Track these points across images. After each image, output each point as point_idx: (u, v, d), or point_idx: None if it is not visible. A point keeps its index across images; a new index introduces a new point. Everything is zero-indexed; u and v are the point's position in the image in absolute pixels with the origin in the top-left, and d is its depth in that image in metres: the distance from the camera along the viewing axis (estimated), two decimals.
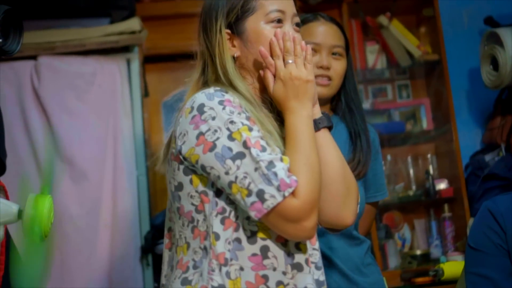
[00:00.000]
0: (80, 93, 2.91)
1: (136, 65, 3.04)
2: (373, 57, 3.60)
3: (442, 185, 3.48)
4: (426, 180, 3.52)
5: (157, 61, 3.47)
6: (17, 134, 2.80)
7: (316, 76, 2.00)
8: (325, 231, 1.68)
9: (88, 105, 2.92)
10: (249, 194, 1.37)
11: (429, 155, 3.61)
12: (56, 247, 2.64)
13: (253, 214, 1.38)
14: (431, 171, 3.54)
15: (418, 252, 3.49)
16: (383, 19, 3.56)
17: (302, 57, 1.52)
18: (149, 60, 3.31)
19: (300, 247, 1.49)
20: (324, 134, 1.55)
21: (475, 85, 3.60)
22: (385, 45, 3.59)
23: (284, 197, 1.36)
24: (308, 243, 1.51)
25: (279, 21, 1.56)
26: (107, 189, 2.86)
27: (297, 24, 1.60)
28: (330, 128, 1.57)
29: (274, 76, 1.52)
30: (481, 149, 3.59)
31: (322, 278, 1.53)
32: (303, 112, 1.48)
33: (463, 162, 3.46)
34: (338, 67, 2.12)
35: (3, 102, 2.20)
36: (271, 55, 1.52)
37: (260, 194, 1.36)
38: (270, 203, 1.36)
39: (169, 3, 3.33)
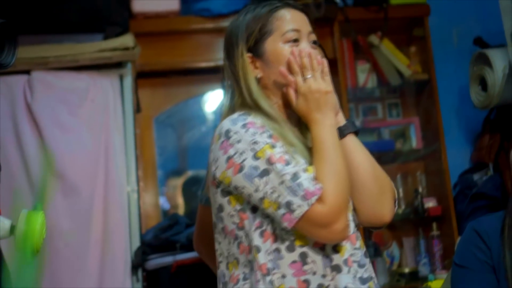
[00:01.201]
0: (72, 108, 2.92)
1: (128, 81, 3.05)
2: (364, 76, 3.63)
3: (430, 204, 3.51)
4: (415, 198, 3.55)
5: (150, 76, 3.49)
6: (9, 149, 2.80)
7: None
8: None
9: (81, 120, 2.92)
10: (279, 207, 1.48)
11: (418, 174, 3.65)
12: (46, 262, 2.63)
13: (285, 224, 1.48)
14: (420, 190, 3.57)
15: (407, 270, 3.51)
16: (374, 39, 3.60)
17: (319, 71, 1.62)
18: (141, 75, 3.33)
19: (337, 249, 1.57)
20: (351, 139, 1.65)
21: (464, 105, 3.65)
22: (376, 64, 3.63)
23: (310, 205, 1.46)
24: (348, 244, 1.58)
25: (296, 40, 1.66)
26: (98, 204, 2.86)
27: (314, 42, 1.70)
28: (356, 133, 1.67)
29: (296, 92, 1.62)
30: (470, 168, 3.62)
31: (366, 274, 1.60)
32: (326, 122, 1.58)
33: (451, 180, 3.49)
34: None
35: None
36: (291, 73, 1.63)
37: (289, 206, 1.47)
38: (298, 212, 1.46)
39: (163, 20, 3.35)
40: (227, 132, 1.56)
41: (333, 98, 1.62)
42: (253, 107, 1.64)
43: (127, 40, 3.00)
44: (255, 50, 1.68)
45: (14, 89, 2.89)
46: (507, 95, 3.24)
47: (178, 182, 3.61)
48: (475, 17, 3.72)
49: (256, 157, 1.51)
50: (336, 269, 1.56)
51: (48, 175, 1.98)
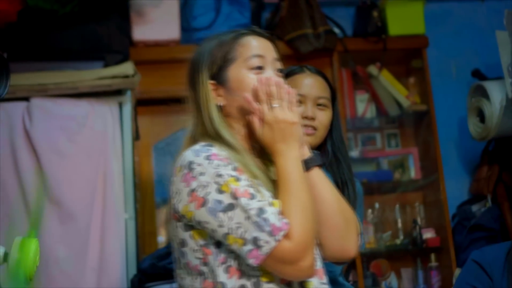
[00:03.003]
0: (71, 135, 2.93)
1: (128, 109, 3.07)
2: (363, 106, 3.65)
3: (429, 234, 3.50)
4: (413, 229, 3.53)
5: (149, 104, 3.50)
6: (6, 175, 2.80)
7: (302, 126, 2.05)
8: None
9: (79, 147, 2.93)
10: (245, 243, 1.42)
11: (416, 204, 3.64)
12: None
13: (251, 261, 1.42)
14: (418, 220, 3.56)
15: None
16: (373, 69, 3.63)
17: (287, 101, 1.56)
18: (141, 103, 3.34)
19: (304, 285, 1.53)
20: (317, 172, 1.60)
21: (463, 136, 3.66)
22: (375, 95, 3.65)
23: (278, 241, 1.40)
24: (316, 279, 1.54)
25: (260, 67, 1.60)
26: (95, 231, 2.85)
27: (280, 70, 1.63)
28: (321, 166, 1.62)
29: (261, 120, 1.55)
30: (468, 199, 3.62)
31: None
32: (291, 154, 1.52)
33: (450, 212, 3.49)
34: (323, 117, 2.16)
35: None
36: (256, 101, 1.56)
37: (255, 242, 1.41)
38: (265, 249, 1.41)
39: (163, 48, 3.38)
40: (190, 163, 1.48)
41: (299, 130, 1.56)
42: (214, 136, 1.57)
43: (127, 68, 3.02)
44: (218, 77, 1.60)
45: (13, 115, 2.90)
46: (505, 127, 3.25)
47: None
48: (473, 49, 3.76)
49: (220, 190, 1.44)
50: None
51: (42, 202, 1.97)
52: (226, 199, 1.43)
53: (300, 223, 1.43)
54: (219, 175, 1.45)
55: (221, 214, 1.43)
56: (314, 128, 2.14)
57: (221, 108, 1.60)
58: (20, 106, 2.93)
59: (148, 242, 3.41)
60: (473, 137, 3.49)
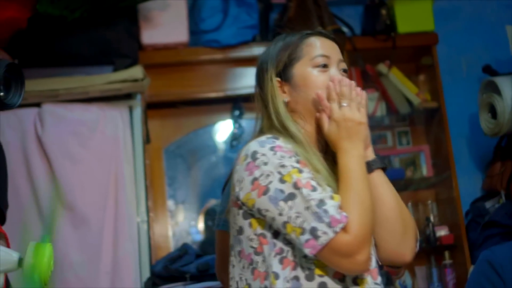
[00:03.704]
0: (83, 140, 2.94)
1: (138, 112, 3.07)
2: (373, 104, 3.64)
3: (442, 232, 3.48)
4: (426, 227, 3.52)
5: (159, 107, 3.52)
6: (20, 181, 2.82)
7: None
8: None
9: (91, 152, 2.94)
10: (303, 232, 1.45)
11: (429, 202, 3.63)
12: None
13: (308, 251, 1.45)
14: (431, 218, 3.55)
15: None
16: (382, 67, 3.62)
17: (357, 102, 1.61)
18: (151, 106, 3.35)
19: (357, 282, 1.54)
20: (379, 174, 1.64)
21: (475, 132, 3.63)
22: (385, 93, 3.63)
23: (336, 232, 1.43)
24: (369, 278, 1.56)
25: (325, 66, 1.66)
26: (108, 235, 2.86)
27: (345, 70, 1.70)
28: (384, 169, 1.66)
29: (329, 118, 1.60)
30: (481, 196, 3.60)
31: None
32: (355, 152, 1.56)
33: (463, 209, 3.47)
34: None
35: (6, 149, 2.21)
36: (327, 99, 1.61)
37: (313, 232, 1.44)
38: (323, 239, 1.44)
39: (171, 51, 3.38)
40: (254, 153, 1.54)
41: (365, 130, 1.61)
42: (281, 130, 1.63)
43: (137, 71, 3.03)
44: (284, 74, 1.68)
45: (25, 121, 2.91)
46: None
47: None
48: (483, 45, 3.73)
49: (282, 180, 1.49)
50: None
51: (56, 207, 1.99)
52: (287, 188, 1.47)
53: (359, 218, 1.46)
54: (282, 166, 1.50)
55: (281, 203, 1.47)
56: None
57: (286, 104, 1.67)
58: (32, 112, 2.94)
59: (160, 245, 3.41)
60: (485, 133, 3.47)
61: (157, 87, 3.28)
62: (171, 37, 3.37)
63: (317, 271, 1.51)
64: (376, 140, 3.71)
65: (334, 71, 1.67)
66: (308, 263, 1.50)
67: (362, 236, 1.45)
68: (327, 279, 1.51)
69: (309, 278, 1.50)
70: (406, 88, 3.60)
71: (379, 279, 1.59)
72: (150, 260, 2.98)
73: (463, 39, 3.77)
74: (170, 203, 3.56)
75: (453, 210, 3.46)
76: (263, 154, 1.53)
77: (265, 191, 1.49)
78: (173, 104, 3.57)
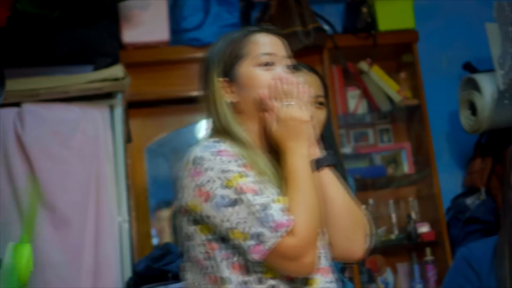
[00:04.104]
0: (63, 140, 2.92)
1: (119, 112, 3.06)
2: (354, 102, 3.65)
3: (424, 229, 3.50)
4: (408, 224, 3.54)
5: (140, 106, 3.50)
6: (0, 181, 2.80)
7: None
8: None
9: (71, 152, 2.92)
10: (248, 238, 1.43)
11: (410, 199, 3.65)
12: None
13: (254, 256, 1.44)
14: (413, 215, 3.57)
15: None
16: (363, 65, 3.63)
17: (301, 99, 1.57)
18: (132, 105, 3.34)
19: (308, 282, 1.53)
20: (327, 172, 1.62)
21: (455, 129, 3.66)
22: (366, 90, 3.65)
23: (281, 236, 1.41)
24: (320, 277, 1.54)
25: (269, 64, 1.60)
26: (89, 235, 2.85)
27: (293, 67, 1.64)
28: (333, 166, 1.63)
29: (274, 117, 1.57)
30: (462, 193, 3.63)
31: None
32: (301, 151, 1.54)
33: (444, 205, 3.50)
34: (320, 116, 2.16)
35: None
36: (272, 97, 1.57)
37: (258, 237, 1.42)
38: (268, 244, 1.42)
39: (152, 50, 3.37)
40: (197, 159, 1.50)
41: (310, 129, 1.59)
42: (225, 132, 1.58)
43: (117, 70, 3.02)
44: (230, 74, 1.62)
45: (5, 121, 2.89)
46: (497, 119, 3.26)
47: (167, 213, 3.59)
48: (463, 42, 3.76)
49: (226, 186, 1.46)
50: None
51: (35, 207, 1.97)
52: (231, 194, 1.45)
53: (305, 220, 1.44)
54: (225, 171, 1.47)
55: (225, 209, 1.44)
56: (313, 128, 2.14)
57: (234, 105, 1.62)
58: (12, 112, 2.92)
59: (142, 245, 3.41)
60: (466, 130, 3.50)
61: (138, 86, 3.27)
62: (152, 35, 3.36)
63: (267, 274, 1.48)
64: (358, 138, 3.73)
65: (280, 69, 1.61)
66: (257, 266, 1.48)
67: (309, 239, 1.43)
68: (277, 282, 1.49)
69: (260, 281, 1.48)
70: (387, 86, 3.62)
71: (332, 277, 1.57)
72: (132, 260, 2.97)
73: (443, 37, 3.80)
74: (152, 202, 3.55)
75: (434, 206, 3.49)
76: (206, 160, 1.49)
77: (209, 198, 1.46)
78: (155, 103, 3.55)
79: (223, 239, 1.49)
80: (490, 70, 3.26)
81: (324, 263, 1.56)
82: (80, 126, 2.96)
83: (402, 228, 3.58)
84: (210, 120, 1.63)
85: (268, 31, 1.66)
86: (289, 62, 1.64)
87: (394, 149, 3.69)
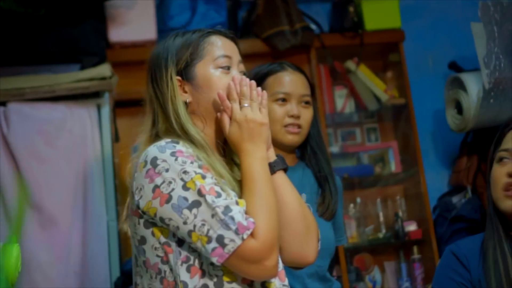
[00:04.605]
0: (50, 139, 2.90)
1: (106, 111, 3.05)
2: (342, 101, 3.66)
3: (411, 227, 3.52)
4: (395, 222, 3.55)
5: (127, 105, 3.47)
6: None
7: (287, 125, 2.11)
8: (302, 273, 1.69)
9: (58, 151, 2.90)
10: (209, 240, 1.40)
11: (398, 198, 3.66)
12: None
13: (215, 260, 1.41)
14: (400, 214, 3.58)
15: None
16: (350, 65, 3.64)
17: (258, 102, 1.57)
18: (119, 104, 3.32)
19: (265, 285, 1.52)
20: (280, 176, 1.61)
21: (441, 128, 3.68)
22: (353, 90, 3.66)
23: (243, 239, 1.40)
24: (277, 281, 1.54)
25: (227, 67, 1.61)
26: (77, 235, 2.83)
27: (244, 73, 1.64)
28: (285, 170, 1.62)
29: (230, 119, 1.56)
30: (449, 191, 3.65)
31: None
32: (258, 154, 1.52)
33: (431, 204, 3.52)
34: (307, 115, 2.17)
35: None
36: (228, 99, 1.56)
37: (220, 240, 1.40)
38: (230, 247, 1.40)
39: (139, 49, 3.35)
40: (154, 159, 1.46)
41: (267, 131, 1.56)
42: (180, 133, 1.55)
43: (104, 69, 3.00)
44: (185, 74, 1.60)
45: None
46: (482, 118, 3.27)
47: None
48: (449, 42, 3.78)
49: (185, 187, 1.43)
50: None
51: (23, 207, 1.96)
52: (191, 196, 1.42)
53: (266, 223, 1.43)
54: (185, 172, 1.44)
55: (186, 211, 1.41)
56: (299, 126, 2.15)
57: (186, 105, 1.60)
58: None
59: (130, 244, 3.39)
60: (452, 129, 3.52)
61: (125, 85, 3.24)
62: (139, 34, 3.34)
63: (225, 278, 1.47)
64: (345, 137, 3.74)
65: (235, 72, 1.62)
66: (216, 270, 1.46)
67: (271, 241, 1.42)
68: (235, 285, 1.47)
69: (218, 285, 1.46)
70: (374, 85, 3.63)
71: (286, 281, 1.57)
72: (120, 259, 2.96)
73: (429, 36, 3.82)
74: None
75: (421, 205, 3.51)
76: (164, 160, 1.46)
77: (168, 199, 1.43)
78: (142, 102, 3.53)
79: (180, 242, 1.47)
80: (475, 69, 3.27)
81: (281, 266, 1.56)
82: (67, 125, 2.94)
83: (389, 227, 3.59)
84: (159, 120, 1.60)
85: (223, 34, 1.67)
86: (242, 67, 1.65)
87: (381, 148, 3.71)
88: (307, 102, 2.19)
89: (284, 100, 2.15)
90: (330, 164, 2.22)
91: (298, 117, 2.14)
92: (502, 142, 1.92)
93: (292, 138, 2.14)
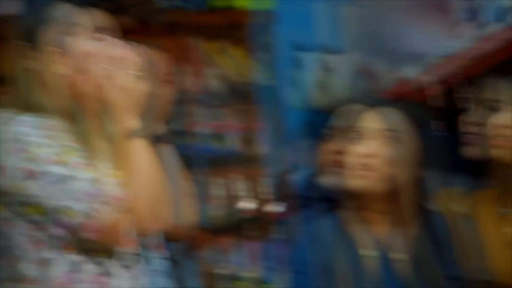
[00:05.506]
0: None
1: None
2: (205, 80, 3.65)
3: (271, 207, 3.55)
4: (257, 203, 3.59)
5: None
6: None
7: None
8: None
9: None
10: (79, 215, 1.40)
11: (260, 178, 3.67)
12: None
13: (86, 234, 1.41)
14: (261, 194, 3.61)
15: (249, 274, 3.54)
16: (213, 44, 3.62)
17: (133, 70, 1.52)
18: None
19: (110, 253, 1.51)
20: (140, 143, 1.53)
21: (306, 109, 3.66)
22: (212, 69, 3.67)
23: (118, 212, 1.41)
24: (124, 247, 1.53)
25: (79, 34, 1.55)
26: None
27: (99, 37, 1.57)
28: (151, 139, 1.58)
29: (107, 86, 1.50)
30: (312, 173, 3.64)
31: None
32: (132, 123, 1.50)
33: (294, 184, 3.51)
34: (166, 93, 2.18)
35: None
36: (99, 67, 1.51)
37: (92, 213, 1.40)
38: (104, 220, 1.40)
39: None
40: (18, 134, 1.43)
41: (139, 100, 1.53)
42: (45, 106, 1.50)
43: None
44: (35, 41, 1.54)
45: None
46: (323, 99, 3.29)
47: None
48: (294, 22, 3.73)
49: (54, 162, 1.41)
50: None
51: None
52: (59, 170, 1.40)
53: (141, 194, 1.44)
54: (52, 146, 1.42)
55: (53, 186, 1.40)
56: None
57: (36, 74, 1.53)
58: None
59: None
60: (315, 110, 3.51)
61: None
62: None
63: (67, 249, 1.45)
64: (210, 116, 3.73)
65: (84, 39, 1.55)
66: (61, 242, 1.45)
67: (144, 214, 1.44)
68: (81, 257, 1.46)
69: (61, 257, 1.46)
70: (239, 66, 3.64)
71: (139, 250, 1.58)
72: None
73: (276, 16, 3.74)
74: None
75: (283, 185, 3.51)
76: (28, 135, 1.43)
77: (33, 175, 1.40)
78: None
79: (21, 215, 1.44)
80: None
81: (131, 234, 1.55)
82: None
83: (249, 207, 3.60)
84: (20, 94, 1.53)
85: (79, 1, 1.61)
86: (98, 32, 1.57)
87: (247, 130, 3.71)
88: (165, 80, 2.17)
89: None
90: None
91: None
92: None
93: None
